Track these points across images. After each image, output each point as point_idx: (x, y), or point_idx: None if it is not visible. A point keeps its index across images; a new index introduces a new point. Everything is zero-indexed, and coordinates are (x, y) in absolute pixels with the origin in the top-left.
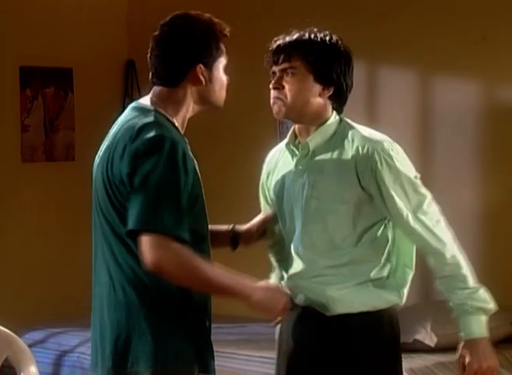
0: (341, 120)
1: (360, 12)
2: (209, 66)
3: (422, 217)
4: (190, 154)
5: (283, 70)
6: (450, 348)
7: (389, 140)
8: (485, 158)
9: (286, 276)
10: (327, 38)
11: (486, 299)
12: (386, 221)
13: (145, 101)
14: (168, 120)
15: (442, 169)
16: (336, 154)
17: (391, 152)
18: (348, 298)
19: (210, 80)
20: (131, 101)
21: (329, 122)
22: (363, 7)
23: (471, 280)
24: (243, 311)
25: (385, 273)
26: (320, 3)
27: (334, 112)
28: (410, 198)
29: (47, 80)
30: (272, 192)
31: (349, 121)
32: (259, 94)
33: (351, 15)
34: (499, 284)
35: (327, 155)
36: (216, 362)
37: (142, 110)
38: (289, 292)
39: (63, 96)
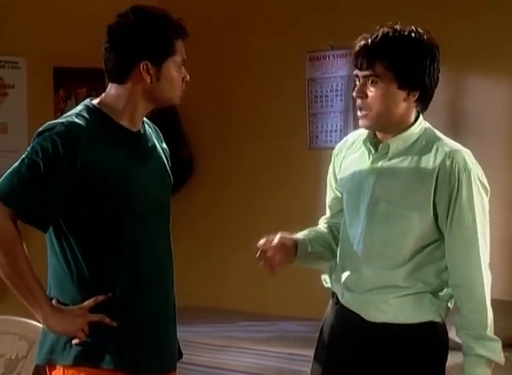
0: (426, 128)
1: (378, 11)
2: (158, 64)
3: (472, 251)
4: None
5: (366, 77)
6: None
7: (470, 156)
8: None
9: (340, 269)
10: (411, 37)
11: (496, 351)
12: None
13: (99, 98)
14: (107, 117)
15: None
16: (415, 161)
17: (473, 174)
18: (392, 309)
19: (158, 78)
20: None
21: (414, 128)
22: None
23: (488, 329)
24: (274, 309)
25: (433, 286)
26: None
27: (420, 118)
28: (473, 228)
29: (80, 80)
30: (340, 185)
31: (434, 130)
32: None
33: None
34: None
35: (406, 160)
36: (247, 359)
37: (82, 107)
38: (336, 287)
39: (95, 96)
